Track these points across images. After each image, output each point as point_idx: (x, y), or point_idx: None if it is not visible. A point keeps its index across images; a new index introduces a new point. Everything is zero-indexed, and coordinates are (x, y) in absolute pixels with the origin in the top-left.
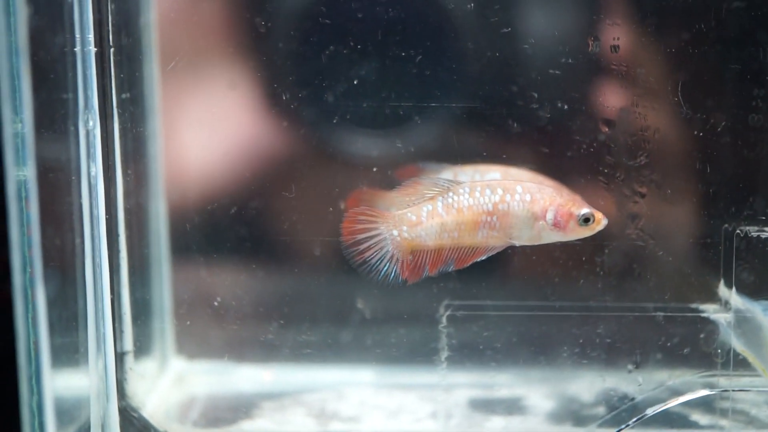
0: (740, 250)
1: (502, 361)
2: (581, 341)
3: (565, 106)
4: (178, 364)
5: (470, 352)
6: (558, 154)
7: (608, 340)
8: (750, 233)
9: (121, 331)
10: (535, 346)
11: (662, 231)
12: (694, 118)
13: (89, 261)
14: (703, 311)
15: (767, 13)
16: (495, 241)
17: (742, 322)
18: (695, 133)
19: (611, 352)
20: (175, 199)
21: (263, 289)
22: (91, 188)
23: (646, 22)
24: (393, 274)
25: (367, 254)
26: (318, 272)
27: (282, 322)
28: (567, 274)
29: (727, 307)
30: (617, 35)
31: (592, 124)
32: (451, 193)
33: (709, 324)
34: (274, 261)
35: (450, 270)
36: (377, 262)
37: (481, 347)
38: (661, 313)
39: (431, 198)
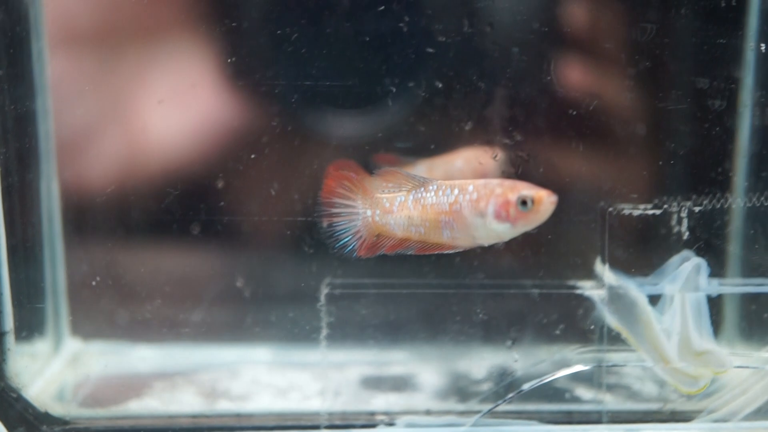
0: (614, 228)
1: (382, 340)
2: (459, 318)
3: (440, 85)
4: (72, 344)
5: (354, 331)
6: (433, 134)
7: (485, 317)
8: (623, 211)
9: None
10: (417, 324)
11: None
12: (568, 96)
13: None
14: (578, 288)
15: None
16: (461, 242)
17: (616, 298)
18: (569, 111)
19: (490, 329)
20: (69, 179)
21: (158, 270)
22: None
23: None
24: (351, 247)
25: (335, 220)
26: (213, 252)
27: (178, 302)
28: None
29: (603, 284)
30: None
31: (468, 103)
32: (422, 189)
33: (587, 300)
34: (169, 242)
35: (409, 253)
36: (342, 231)
37: (363, 325)
38: (537, 290)
39: (407, 190)
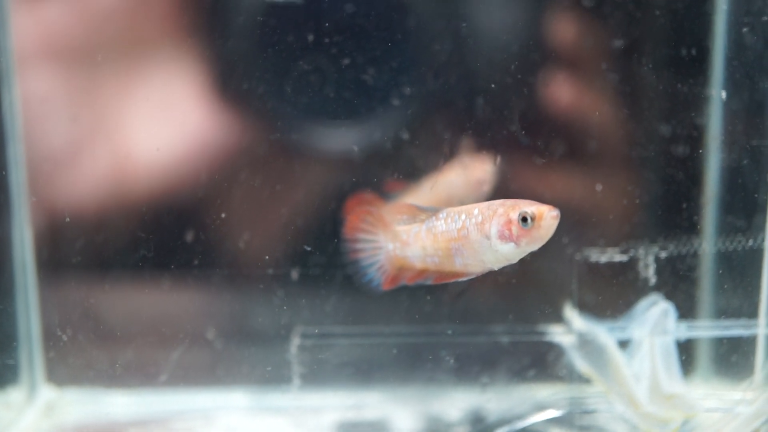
0: (583, 274)
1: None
2: (431, 365)
3: (406, 135)
4: (47, 392)
5: (325, 376)
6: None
7: (457, 364)
8: (590, 258)
9: None
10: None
11: None
12: (533, 146)
13: None
14: (547, 333)
15: None
16: (473, 268)
17: (586, 343)
18: (537, 160)
19: (463, 374)
20: (42, 228)
21: (134, 316)
22: None
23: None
24: (376, 282)
25: (360, 255)
26: (184, 297)
27: (154, 348)
28: (414, 297)
29: (572, 329)
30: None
31: (436, 149)
32: (433, 218)
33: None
34: (145, 288)
35: (428, 283)
36: (367, 265)
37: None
38: (507, 337)
39: (420, 221)
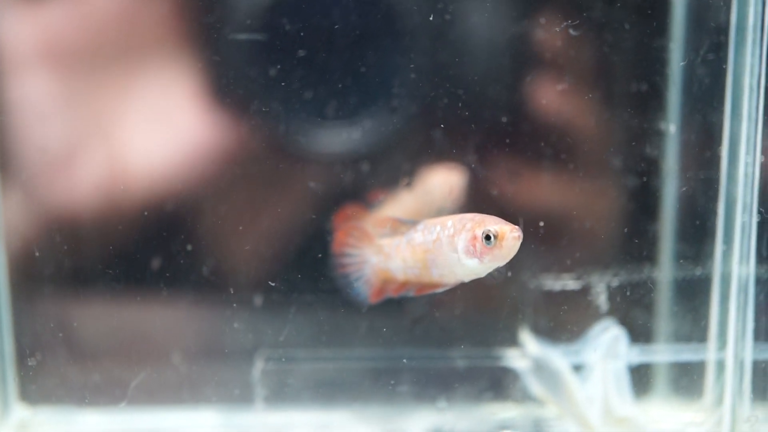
0: (539, 300)
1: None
2: (391, 385)
3: (366, 168)
4: (20, 411)
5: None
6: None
7: (417, 385)
8: (544, 284)
9: None
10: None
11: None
12: (488, 180)
13: None
14: (502, 357)
15: None
16: (447, 280)
17: (541, 367)
18: (492, 192)
19: (422, 395)
20: (15, 247)
21: (107, 335)
22: None
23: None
24: (362, 295)
25: (347, 270)
26: (163, 315)
27: (127, 367)
28: (372, 322)
29: (527, 354)
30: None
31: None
32: (412, 231)
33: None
34: (118, 307)
35: (410, 295)
36: (354, 280)
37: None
38: (464, 361)
39: (401, 233)
